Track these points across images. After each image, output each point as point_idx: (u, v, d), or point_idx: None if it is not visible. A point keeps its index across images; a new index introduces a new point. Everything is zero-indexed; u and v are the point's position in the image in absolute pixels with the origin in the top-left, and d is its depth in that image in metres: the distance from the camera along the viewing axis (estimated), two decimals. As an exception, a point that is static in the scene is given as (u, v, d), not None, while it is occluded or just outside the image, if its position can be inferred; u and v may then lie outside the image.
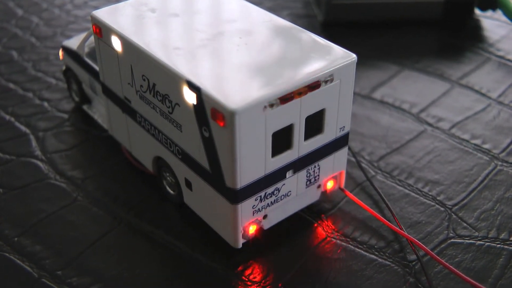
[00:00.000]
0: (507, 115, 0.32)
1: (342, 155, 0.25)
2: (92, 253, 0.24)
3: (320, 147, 0.24)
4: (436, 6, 0.39)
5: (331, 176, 0.25)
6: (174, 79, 0.22)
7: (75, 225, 0.26)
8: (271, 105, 0.21)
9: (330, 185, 0.26)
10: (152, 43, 0.24)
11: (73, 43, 0.31)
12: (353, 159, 0.29)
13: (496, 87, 0.35)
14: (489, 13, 0.42)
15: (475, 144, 0.30)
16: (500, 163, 0.29)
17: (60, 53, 0.32)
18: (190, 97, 0.22)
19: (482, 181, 0.28)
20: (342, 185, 0.26)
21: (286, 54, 0.23)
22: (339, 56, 0.23)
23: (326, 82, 0.22)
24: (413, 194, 0.27)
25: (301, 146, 0.23)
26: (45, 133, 0.31)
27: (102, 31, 0.26)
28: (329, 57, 0.23)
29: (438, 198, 0.27)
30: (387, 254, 0.25)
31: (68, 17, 0.41)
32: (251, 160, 0.22)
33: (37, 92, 0.34)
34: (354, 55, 0.23)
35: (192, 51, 0.23)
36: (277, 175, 0.23)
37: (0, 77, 0.35)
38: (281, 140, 0.23)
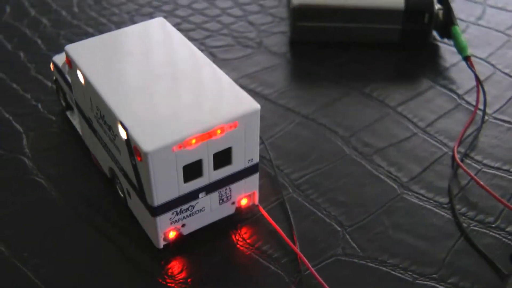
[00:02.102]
0: (427, 145, 0.38)
1: (253, 179, 0.32)
2: (45, 239, 0.32)
3: (229, 175, 0.31)
4: (394, 31, 0.45)
5: (243, 195, 0.32)
6: (114, 117, 0.30)
7: (41, 216, 0.34)
8: (180, 147, 0.28)
9: (244, 202, 0.33)
10: (104, 82, 0.31)
11: (61, 59, 0.38)
12: (276, 175, 0.35)
13: (427, 117, 0.40)
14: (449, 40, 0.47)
15: (388, 171, 0.37)
16: (405, 191, 0.35)
17: (51, 65, 0.39)
18: (122, 133, 0.29)
19: (382, 206, 0.35)
20: (256, 202, 0.33)
21: (201, 100, 0.30)
22: (244, 105, 0.30)
23: (230, 127, 0.29)
24: (318, 213, 0.34)
25: (211, 174, 0.30)
26: (35, 132, 0.39)
27: (71, 64, 0.33)
28: (235, 105, 0.29)
29: (338, 218, 0.34)
30: (280, 264, 0.32)
31: (72, 20, 0.48)
32: (165, 185, 0.29)
33: (34, 94, 0.41)
34: (257, 106, 0.30)
35: (131, 93, 0.30)
36: (191, 196, 0.30)
37: (6, 77, 0.43)
38: (192, 170, 0.29)
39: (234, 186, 0.32)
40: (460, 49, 0.43)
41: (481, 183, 0.35)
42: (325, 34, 0.45)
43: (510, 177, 0.36)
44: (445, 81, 0.43)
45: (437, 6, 0.44)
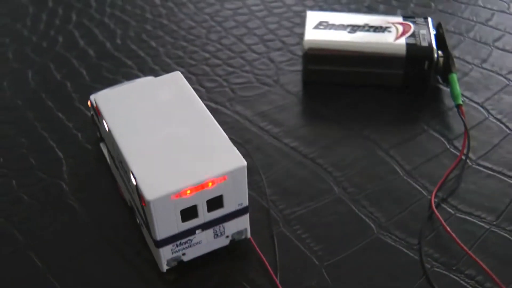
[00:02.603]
0: (409, 188, 0.43)
1: (244, 218, 0.38)
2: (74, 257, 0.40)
3: (221, 216, 0.37)
4: (397, 76, 0.50)
5: (236, 231, 0.39)
6: (127, 166, 0.36)
7: (72, 235, 0.41)
8: (178, 196, 0.35)
9: (237, 237, 0.39)
10: (122, 134, 0.38)
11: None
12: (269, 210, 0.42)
13: (415, 160, 0.45)
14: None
15: (369, 212, 0.42)
16: (381, 231, 0.41)
17: (89, 102, 0.47)
18: (133, 180, 0.36)
19: (358, 244, 0.40)
20: (248, 236, 0.40)
21: (198, 155, 0.36)
22: (233, 162, 0.36)
23: (220, 180, 0.36)
24: (302, 247, 0.40)
25: (206, 216, 0.37)
26: (73, 160, 0.46)
27: (98, 112, 0.40)
28: (226, 162, 0.36)
29: (318, 253, 0.40)
30: (262, 290, 0.38)
31: (114, 52, 0.55)
32: (166, 224, 0.36)
33: (76, 123, 0.49)
34: (244, 163, 0.36)
35: (142, 145, 0.37)
36: (188, 232, 0.37)
37: (53, 106, 0.51)
38: (189, 212, 0.36)
39: (227, 224, 0.38)
40: (453, 97, 0.48)
41: (448, 229, 0.40)
42: (334, 77, 0.51)
43: (480, 223, 0.41)
44: (439, 125, 0.48)
45: (437, 53, 0.49)
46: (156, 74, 0.53)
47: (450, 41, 0.50)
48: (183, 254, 0.38)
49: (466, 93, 0.50)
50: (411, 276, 0.38)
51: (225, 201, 0.37)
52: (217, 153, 0.36)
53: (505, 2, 0.60)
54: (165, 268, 0.38)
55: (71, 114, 0.50)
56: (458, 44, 0.55)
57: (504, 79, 0.52)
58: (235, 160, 0.36)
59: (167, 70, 0.53)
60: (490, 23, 0.57)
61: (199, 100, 0.40)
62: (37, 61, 0.55)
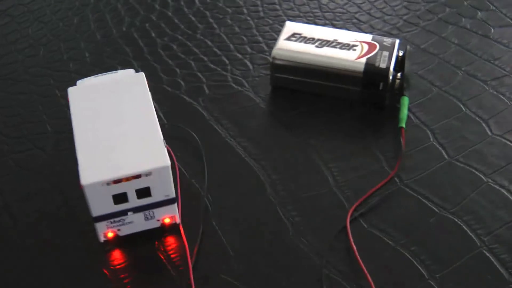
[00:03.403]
0: (335, 200, 0.49)
1: (172, 207, 0.46)
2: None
3: (150, 204, 0.45)
4: (354, 92, 0.55)
5: (165, 216, 0.46)
6: (76, 153, 0.45)
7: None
8: (108, 183, 0.43)
9: (167, 220, 0.47)
10: (79, 125, 0.46)
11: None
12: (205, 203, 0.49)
13: (347, 174, 0.51)
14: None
15: (290, 215, 0.48)
16: (299, 236, 0.47)
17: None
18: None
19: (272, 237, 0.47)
20: (177, 221, 0.47)
21: (133, 151, 0.43)
22: (159, 161, 0.43)
23: (146, 175, 0.43)
24: (222, 237, 0.47)
25: (135, 201, 0.44)
26: (59, 135, 0.55)
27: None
28: (153, 160, 0.43)
29: (231, 242, 0.47)
30: (178, 269, 0.46)
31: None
32: (100, 204, 0.44)
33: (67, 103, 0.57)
34: (167, 163, 0.43)
35: (92, 137, 0.45)
36: (121, 213, 0.45)
37: (54, 84, 0.59)
38: (120, 197, 0.44)
39: (156, 210, 0.46)
40: (399, 119, 0.53)
41: (351, 239, 0.46)
42: (298, 85, 0.56)
43: (387, 240, 0.47)
44: (382, 144, 0.53)
45: (394, 75, 0.54)
46: (146, 64, 0.60)
47: (408, 65, 0.55)
48: (118, 230, 0.46)
49: (420, 114, 0.55)
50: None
51: (153, 191, 0.44)
52: (148, 151, 0.44)
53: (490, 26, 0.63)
54: (102, 239, 0.46)
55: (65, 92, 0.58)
56: (431, 66, 0.59)
57: (461, 106, 0.56)
58: (161, 160, 0.43)
59: (158, 62, 0.61)
60: (469, 46, 0.61)
61: (151, 103, 0.47)
62: (51, 39, 0.63)
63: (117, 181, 0.43)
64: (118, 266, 0.46)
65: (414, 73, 0.58)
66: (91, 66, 0.60)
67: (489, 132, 0.54)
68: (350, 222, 0.48)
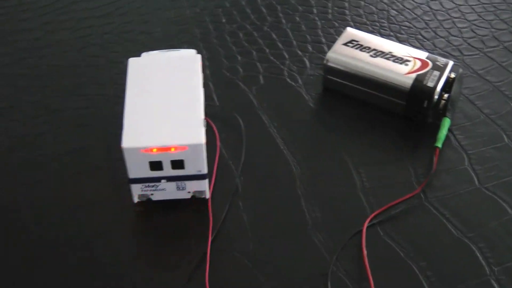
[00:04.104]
0: (356, 203, 0.52)
1: (203, 182, 0.50)
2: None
3: (182, 175, 0.49)
4: (399, 105, 0.57)
5: (196, 190, 0.50)
6: (123, 119, 0.49)
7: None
8: (146, 150, 0.47)
9: (197, 194, 0.51)
10: (131, 95, 0.50)
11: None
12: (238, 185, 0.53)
13: (375, 182, 0.53)
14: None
15: (309, 209, 0.52)
16: (314, 231, 0.51)
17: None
18: (123, 129, 0.49)
19: (292, 229, 0.50)
20: (207, 196, 0.51)
21: (174, 124, 0.48)
22: (195, 137, 0.47)
23: (181, 149, 0.47)
24: (246, 220, 0.51)
25: (170, 171, 0.49)
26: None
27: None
28: (189, 135, 0.47)
29: (250, 222, 0.50)
30: (199, 241, 0.50)
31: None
32: (136, 168, 0.48)
33: (132, 69, 0.62)
34: (202, 141, 0.47)
35: (140, 107, 0.49)
36: (155, 179, 0.49)
37: (122, 52, 0.64)
38: (156, 165, 0.48)
39: (188, 183, 0.50)
40: (437, 138, 0.55)
41: (364, 248, 0.49)
42: (347, 90, 0.59)
43: (400, 252, 0.49)
44: (416, 159, 0.55)
45: (440, 95, 0.56)
46: (211, 47, 0.64)
47: (458, 88, 0.57)
48: (151, 194, 0.51)
49: (460, 137, 0.57)
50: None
51: (186, 165, 0.49)
52: (187, 128, 0.48)
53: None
54: (135, 200, 0.51)
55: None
56: (484, 92, 0.61)
57: (504, 136, 0.57)
58: (198, 137, 0.47)
59: (222, 46, 0.65)
60: (528, 80, 0.62)
61: (201, 84, 0.51)
62: (127, 11, 0.69)
63: (154, 150, 0.47)
64: (145, 227, 0.50)
65: (464, 96, 0.60)
66: (159, 41, 0.65)
67: (527, 167, 0.55)
68: (367, 227, 0.51)
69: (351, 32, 0.60)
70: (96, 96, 0.60)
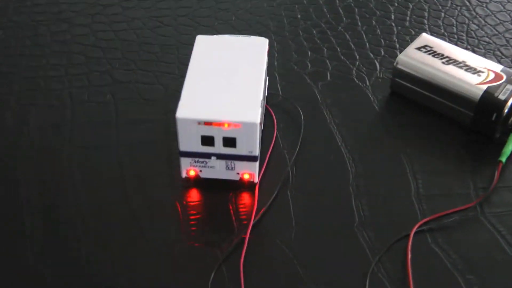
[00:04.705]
0: (408, 207, 0.51)
1: (253, 164, 0.50)
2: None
3: (233, 154, 0.49)
4: (467, 116, 0.55)
5: (245, 172, 0.50)
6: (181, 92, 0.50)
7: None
8: (199, 123, 0.47)
9: (246, 176, 0.51)
10: (193, 69, 0.51)
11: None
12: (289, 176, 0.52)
13: (431, 190, 0.52)
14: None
15: (360, 205, 0.50)
16: (361, 228, 0.49)
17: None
18: (182, 101, 0.49)
19: (341, 231, 0.49)
20: (255, 181, 0.51)
21: (230, 100, 0.48)
22: (249, 116, 0.47)
23: (235, 126, 0.47)
24: (292, 210, 0.50)
25: (221, 148, 0.49)
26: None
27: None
28: (244, 113, 0.47)
29: (298, 217, 0.50)
30: (242, 225, 0.49)
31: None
32: (188, 141, 0.48)
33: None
34: (256, 120, 0.47)
35: (201, 81, 0.50)
36: (205, 155, 0.49)
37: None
38: (207, 140, 0.48)
39: (237, 163, 0.50)
40: (502, 152, 0.53)
41: (409, 255, 0.47)
42: (415, 95, 0.58)
43: (447, 262, 0.47)
44: (478, 174, 0.53)
45: (510, 110, 0.54)
46: (283, 40, 0.65)
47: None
48: (200, 171, 0.51)
49: (529, 157, 0.55)
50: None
51: (238, 144, 0.49)
52: (244, 106, 0.48)
53: None
54: (183, 175, 0.51)
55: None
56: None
57: None
58: (252, 116, 0.47)
59: (294, 41, 0.65)
60: None
61: (264, 67, 0.52)
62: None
63: (207, 123, 0.47)
64: (190, 203, 0.50)
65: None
66: (232, 29, 0.66)
67: None
68: (417, 233, 0.49)
69: (426, 37, 0.59)
70: (163, 73, 0.61)
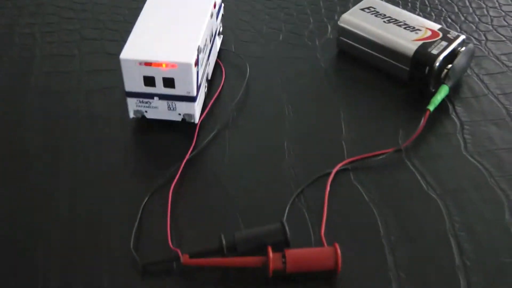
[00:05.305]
0: (335, 148, 0.55)
1: (191, 105, 0.54)
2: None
3: (172, 95, 0.54)
4: (404, 71, 0.59)
5: (185, 112, 0.55)
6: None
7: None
8: (140, 63, 0.53)
9: (187, 116, 0.56)
10: (145, 17, 0.56)
11: None
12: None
13: (360, 134, 0.56)
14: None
15: (295, 155, 0.55)
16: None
17: None
18: (128, 45, 0.55)
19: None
20: (195, 121, 0.56)
21: (170, 44, 0.53)
22: (185, 57, 0.52)
23: (172, 66, 0.52)
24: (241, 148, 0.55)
25: (162, 89, 0.54)
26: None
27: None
28: (180, 54, 0.52)
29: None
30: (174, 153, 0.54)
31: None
32: (132, 81, 0.53)
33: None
34: (191, 61, 0.52)
35: (147, 25, 0.55)
36: (148, 96, 0.54)
37: (163, 0, 0.71)
38: (149, 80, 0.53)
39: (178, 104, 0.55)
40: (430, 101, 0.57)
41: (328, 189, 0.52)
42: (359, 53, 0.62)
43: (365, 197, 0.51)
44: (407, 122, 0.57)
45: (442, 63, 0.57)
46: (243, 2, 0.69)
47: (463, 61, 0.58)
48: (145, 111, 0.56)
49: (459, 109, 0.58)
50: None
51: (176, 84, 0.53)
52: (182, 49, 0.53)
53: None
54: (131, 115, 0.56)
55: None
56: (496, 73, 0.62)
57: (505, 113, 0.58)
58: (188, 58, 0.52)
59: (252, 3, 0.70)
60: (548, 69, 0.62)
61: (208, 18, 0.57)
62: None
63: (147, 64, 0.52)
64: (135, 141, 0.56)
65: (475, 74, 0.61)
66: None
67: (519, 144, 0.55)
68: (342, 171, 0.53)
69: (372, 0, 0.64)
70: (127, 32, 0.66)
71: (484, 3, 0.70)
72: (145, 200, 0.50)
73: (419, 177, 0.53)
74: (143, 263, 0.45)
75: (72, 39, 0.66)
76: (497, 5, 0.70)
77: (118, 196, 0.51)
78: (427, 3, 0.70)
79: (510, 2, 0.70)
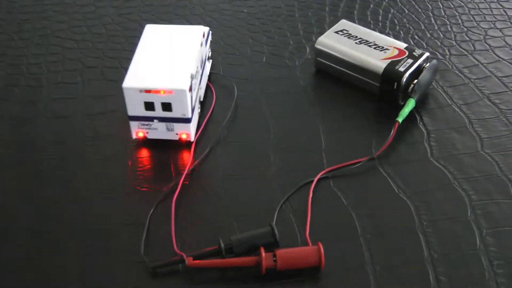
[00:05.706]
0: (310, 159, 0.62)
1: (187, 125, 0.62)
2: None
3: (170, 117, 0.61)
4: (375, 87, 0.67)
5: (182, 132, 0.62)
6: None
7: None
8: (141, 91, 0.60)
9: (184, 136, 0.63)
10: (142, 50, 0.64)
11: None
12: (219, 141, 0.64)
13: (337, 142, 0.63)
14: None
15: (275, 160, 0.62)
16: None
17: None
18: (129, 74, 0.62)
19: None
20: (191, 140, 0.63)
21: (167, 73, 0.60)
22: (180, 84, 0.59)
23: (169, 92, 0.59)
24: (218, 156, 0.62)
25: (160, 112, 0.61)
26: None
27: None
28: (176, 82, 0.59)
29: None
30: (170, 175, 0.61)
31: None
32: (135, 107, 0.61)
33: (160, 42, 0.76)
34: (185, 87, 0.59)
35: (147, 59, 0.62)
36: (149, 118, 0.62)
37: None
38: (150, 105, 0.61)
39: (175, 125, 0.62)
40: (399, 114, 0.64)
41: (310, 194, 0.59)
42: (334, 71, 0.70)
43: (344, 200, 0.59)
44: (379, 133, 0.65)
45: (408, 79, 0.65)
46: (227, 29, 0.77)
47: (428, 76, 0.66)
48: (147, 132, 0.63)
49: (426, 119, 0.66)
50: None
51: (173, 108, 0.61)
52: (176, 77, 0.60)
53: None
54: (134, 136, 0.64)
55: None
56: (459, 85, 0.69)
57: (466, 122, 0.66)
58: (182, 84, 0.60)
59: (237, 29, 0.77)
60: (506, 79, 0.70)
61: (197, 47, 0.64)
62: None
63: (147, 91, 0.60)
64: (138, 159, 0.63)
65: (440, 86, 0.69)
66: (187, 22, 0.79)
67: (479, 148, 0.63)
68: (322, 179, 0.61)
69: (344, 22, 0.71)
70: (125, 59, 0.74)
71: (448, 20, 0.78)
72: (151, 211, 0.58)
73: (390, 182, 0.60)
74: (153, 265, 0.52)
75: (74, 68, 0.73)
76: (460, 21, 0.78)
77: (127, 208, 0.58)
78: (396, 22, 0.78)
79: (471, 18, 0.78)
